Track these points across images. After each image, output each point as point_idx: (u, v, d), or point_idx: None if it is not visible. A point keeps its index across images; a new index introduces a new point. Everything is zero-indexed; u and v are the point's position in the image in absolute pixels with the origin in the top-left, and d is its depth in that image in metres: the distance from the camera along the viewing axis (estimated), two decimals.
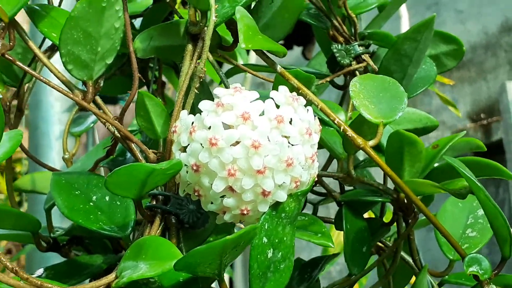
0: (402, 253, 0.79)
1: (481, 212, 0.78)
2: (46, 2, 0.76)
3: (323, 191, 0.81)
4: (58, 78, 0.66)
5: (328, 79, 0.82)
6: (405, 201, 0.72)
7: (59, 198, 0.68)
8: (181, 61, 0.67)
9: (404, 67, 0.77)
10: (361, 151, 0.66)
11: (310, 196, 0.86)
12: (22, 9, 0.66)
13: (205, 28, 0.66)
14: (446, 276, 0.76)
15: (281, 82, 0.65)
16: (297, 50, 2.04)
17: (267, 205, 0.58)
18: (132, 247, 0.58)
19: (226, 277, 2.13)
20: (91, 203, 0.68)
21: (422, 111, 0.82)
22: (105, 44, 0.65)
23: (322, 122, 0.70)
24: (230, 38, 0.72)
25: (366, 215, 0.80)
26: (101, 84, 0.68)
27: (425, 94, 2.98)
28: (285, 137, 0.57)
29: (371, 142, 0.65)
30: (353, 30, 0.83)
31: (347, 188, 0.80)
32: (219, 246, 0.52)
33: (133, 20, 0.90)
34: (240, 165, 0.56)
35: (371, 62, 0.82)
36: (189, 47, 0.67)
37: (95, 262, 0.77)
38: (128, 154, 0.85)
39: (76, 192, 0.69)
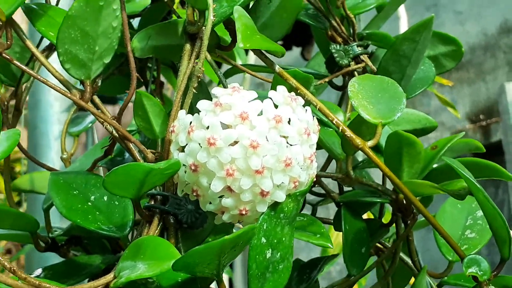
0: (401, 254, 0.79)
1: (480, 213, 0.78)
2: (43, 1, 0.76)
3: (322, 191, 0.81)
4: (55, 77, 0.66)
5: (326, 79, 0.82)
6: (404, 202, 0.72)
7: (57, 198, 0.68)
8: (179, 60, 0.67)
9: (402, 67, 0.77)
10: (360, 151, 0.66)
11: (309, 196, 0.85)
12: (20, 8, 0.66)
13: (203, 27, 0.66)
14: (445, 277, 0.76)
15: (279, 82, 0.65)
16: (296, 50, 2.04)
17: (265, 205, 0.58)
18: (130, 247, 0.58)
19: (225, 277, 2.13)
20: (89, 203, 0.68)
21: (421, 111, 0.82)
22: (103, 43, 0.65)
23: (321, 122, 0.70)
24: (228, 38, 0.72)
25: (365, 216, 0.80)
26: (99, 84, 0.67)
27: (424, 95, 2.98)
28: (284, 137, 0.57)
29: (370, 143, 0.65)
30: (351, 31, 0.83)
31: (346, 188, 0.80)
32: (217, 246, 0.52)
33: (131, 20, 0.90)
34: (239, 165, 0.56)
35: (369, 63, 0.82)
36: (187, 46, 0.67)
37: (94, 262, 0.77)
38: (127, 154, 0.85)
39: (74, 192, 0.69)
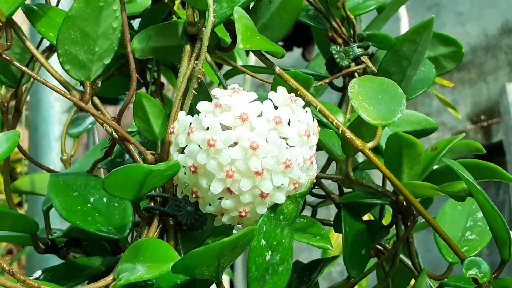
0: (401, 256, 0.79)
1: (480, 214, 0.78)
2: (44, 2, 0.76)
3: (322, 193, 0.81)
4: (55, 78, 0.66)
5: (326, 80, 0.82)
6: (404, 203, 0.72)
7: (57, 200, 0.67)
8: (179, 61, 0.67)
9: (403, 69, 0.77)
10: (360, 153, 0.65)
11: (309, 198, 0.85)
12: (21, 8, 0.66)
13: (203, 28, 0.66)
14: (446, 279, 0.76)
15: (279, 83, 0.65)
16: (297, 51, 2.04)
17: (265, 207, 0.58)
18: (129, 249, 0.57)
19: (226, 278, 2.12)
20: (89, 205, 0.68)
21: (422, 112, 0.82)
22: (103, 44, 0.65)
23: (321, 123, 0.69)
24: (228, 39, 0.72)
25: (366, 217, 0.79)
26: (99, 85, 0.67)
27: (425, 95, 2.98)
28: (284, 138, 0.57)
29: (370, 144, 0.64)
30: (352, 32, 0.83)
31: (346, 190, 0.80)
32: (217, 248, 0.52)
33: (131, 21, 0.90)
34: (238, 167, 0.56)
35: (370, 64, 0.81)
36: (187, 47, 0.67)
37: (93, 264, 0.77)
38: (127, 155, 0.85)
39: (74, 194, 0.69)
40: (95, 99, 0.67)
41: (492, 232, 0.63)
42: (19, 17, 0.68)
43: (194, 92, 0.64)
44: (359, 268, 0.73)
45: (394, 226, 0.77)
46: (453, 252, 0.65)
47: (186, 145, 0.58)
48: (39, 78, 0.66)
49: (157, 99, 0.89)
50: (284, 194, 0.58)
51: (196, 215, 0.64)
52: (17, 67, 0.66)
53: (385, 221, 0.80)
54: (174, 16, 0.75)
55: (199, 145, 0.56)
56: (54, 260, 0.80)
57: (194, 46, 0.66)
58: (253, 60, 1.34)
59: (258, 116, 0.56)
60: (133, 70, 0.67)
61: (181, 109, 0.63)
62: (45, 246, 0.79)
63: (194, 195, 0.58)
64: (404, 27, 1.60)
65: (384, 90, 0.67)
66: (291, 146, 0.57)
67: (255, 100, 0.57)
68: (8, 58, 0.65)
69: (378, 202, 0.73)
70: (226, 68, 0.91)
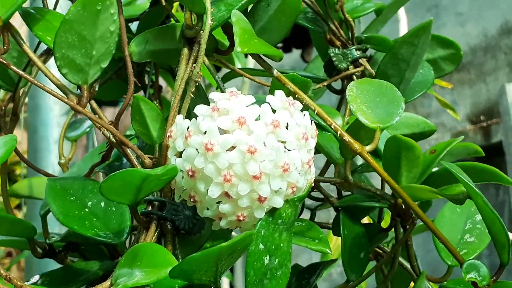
0: (400, 259, 0.79)
1: (479, 217, 0.78)
2: (41, 5, 0.76)
3: (321, 196, 0.81)
4: (53, 82, 0.66)
5: (325, 83, 0.82)
6: (403, 206, 0.72)
7: (54, 204, 0.67)
8: (177, 65, 0.66)
9: (401, 71, 0.77)
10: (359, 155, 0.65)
11: (308, 201, 0.85)
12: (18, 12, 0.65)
13: (201, 31, 0.65)
14: (445, 282, 0.76)
15: (277, 86, 0.64)
16: (296, 52, 2.03)
17: (263, 211, 0.58)
18: (127, 254, 0.57)
19: (226, 281, 2.12)
20: (86, 209, 0.68)
21: (421, 113, 0.82)
22: (100, 48, 0.65)
23: (319, 126, 0.69)
24: (226, 42, 0.71)
25: (366, 220, 0.79)
26: (96, 89, 0.67)
27: (425, 96, 2.98)
28: (281, 142, 0.56)
29: (368, 147, 0.64)
30: (350, 34, 0.83)
31: (344, 193, 0.80)
32: (215, 253, 0.51)
33: (129, 24, 0.89)
34: (236, 171, 0.55)
35: (368, 67, 0.81)
36: (185, 51, 0.66)
37: (91, 268, 0.76)
38: (125, 159, 0.84)
39: (71, 198, 0.69)
40: (93, 102, 0.67)
41: (491, 235, 0.63)
42: (17, 20, 0.68)
43: (192, 95, 0.64)
44: (358, 271, 0.73)
45: (393, 229, 0.76)
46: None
47: (184, 149, 0.57)
48: (36, 82, 0.65)
49: (155, 102, 0.89)
50: (282, 198, 0.58)
51: (194, 220, 0.64)
52: (14, 71, 0.65)
53: (384, 223, 0.79)
54: (172, 19, 0.75)
55: (196, 149, 0.56)
56: (53, 263, 0.80)
57: (192, 49, 0.66)
58: (252, 62, 1.33)
59: (256, 119, 0.56)
60: (131, 74, 0.66)
61: (179, 113, 0.63)
62: (42, 251, 0.79)
63: (192, 200, 0.58)
64: (403, 29, 1.60)
65: (382, 93, 0.67)
66: (289, 150, 0.57)
67: (253, 103, 0.57)
68: (5, 62, 0.64)
69: (377, 205, 0.73)
70: (224, 70, 0.91)
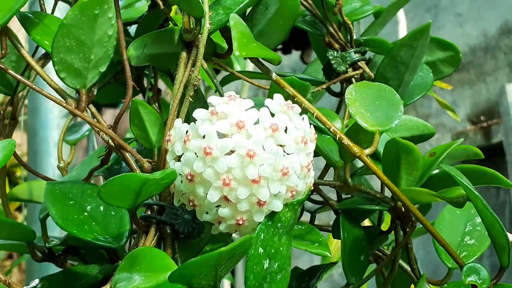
0: (401, 262, 0.78)
1: (479, 219, 0.78)
2: (39, 9, 0.76)
3: (321, 199, 0.80)
4: (51, 86, 0.66)
5: (324, 86, 0.82)
6: (403, 209, 0.72)
7: (53, 208, 0.67)
8: (175, 68, 0.66)
9: (400, 74, 0.77)
10: None
11: (307, 204, 0.85)
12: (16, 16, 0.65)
13: (199, 35, 0.65)
14: (445, 285, 0.75)
15: (276, 90, 0.64)
16: (295, 54, 2.03)
17: (262, 215, 0.58)
18: (126, 258, 0.57)
19: (227, 283, 2.11)
20: (86, 213, 0.68)
21: (421, 114, 0.82)
22: (98, 52, 0.65)
23: (318, 129, 0.69)
24: (225, 45, 0.71)
25: (366, 223, 0.79)
26: (95, 93, 0.67)
27: (425, 97, 2.97)
28: (280, 146, 0.56)
29: (368, 151, 0.64)
30: (349, 37, 0.83)
31: (344, 196, 0.79)
32: (214, 258, 0.51)
33: (128, 27, 0.89)
34: (235, 175, 0.55)
35: (367, 69, 0.81)
36: (183, 54, 0.66)
37: (91, 272, 0.76)
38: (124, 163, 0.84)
39: (70, 202, 0.68)
40: (91, 107, 0.67)
41: (491, 238, 0.63)
42: (16, 23, 0.68)
43: (191, 99, 0.64)
44: (358, 274, 0.73)
45: (393, 232, 0.76)
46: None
47: (183, 153, 0.57)
48: (34, 86, 0.65)
49: (154, 105, 0.89)
50: (281, 202, 0.58)
51: (194, 223, 0.64)
52: (12, 76, 0.65)
53: (385, 225, 0.79)
54: (170, 23, 0.75)
55: (195, 153, 0.56)
56: (54, 266, 0.80)
57: (190, 53, 0.66)
58: (251, 64, 1.33)
59: (255, 123, 0.56)
60: (129, 78, 0.66)
61: (177, 117, 0.63)
62: (42, 255, 0.78)
63: (191, 204, 0.58)
64: (403, 30, 1.60)
65: (381, 96, 0.66)
66: (288, 154, 0.56)
67: (251, 107, 0.57)
68: (3, 67, 0.64)
69: (377, 208, 0.73)
70: (224, 73, 0.91)
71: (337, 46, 0.83)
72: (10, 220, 0.72)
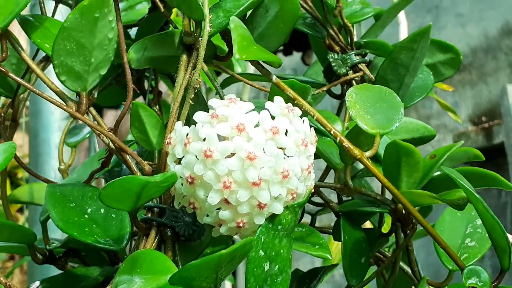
0: (401, 264, 0.78)
1: (479, 221, 0.77)
2: (40, 13, 0.76)
3: (321, 201, 0.80)
4: (51, 89, 0.66)
5: (324, 88, 0.81)
6: (403, 211, 0.72)
7: (54, 211, 0.67)
8: (176, 71, 0.66)
9: (400, 76, 0.77)
10: None
11: (308, 206, 0.85)
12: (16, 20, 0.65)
13: (200, 38, 0.65)
14: (446, 287, 0.75)
15: (276, 92, 0.64)
16: (296, 55, 2.03)
17: (263, 218, 0.58)
18: (127, 261, 0.57)
19: (228, 284, 2.10)
20: (86, 216, 0.68)
21: (422, 114, 0.82)
22: (99, 55, 0.65)
23: (319, 132, 0.69)
24: (225, 48, 0.71)
25: (367, 225, 0.79)
26: (96, 95, 0.67)
27: (426, 97, 2.97)
28: (281, 148, 0.56)
29: (368, 153, 0.64)
30: (349, 39, 0.83)
31: (345, 198, 0.79)
32: (215, 260, 0.51)
33: (129, 30, 0.89)
34: (236, 177, 0.55)
35: (367, 72, 0.81)
36: (184, 57, 0.66)
37: (92, 274, 0.76)
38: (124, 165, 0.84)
39: (71, 205, 0.68)
40: (92, 109, 0.67)
41: (491, 240, 0.63)
42: (16, 26, 0.68)
43: (191, 102, 0.64)
44: (359, 276, 0.73)
45: (393, 234, 0.76)
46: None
47: (183, 156, 0.57)
48: (35, 89, 0.65)
49: (155, 108, 0.89)
50: (282, 204, 0.58)
51: (194, 226, 0.64)
52: (13, 79, 0.65)
53: (386, 227, 0.79)
54: (171, 26, 0.75)
55: (196, 156, 0.56)
56: (54, 268, 0.80)
57: (190, 56, 0.66)
58: (252, 67, 1.33)
59: (255, 126, 0.56)
60: (129, 81, 0.66)
61: (178, 119, 0.63)
62: (43, 257, 0.78)
63: (191, 206, 0.58)
64: (403, 32, 1.60)
65: (382, 98, 0.66)
66: (288, 156, 0.56)
67: (252, 110, 0.57)
68: (3, 70, 0.64)
69: (377, 210, 0.73)
70: (224, 75, 0.91)
71: (337, 48, 0.83)
72: (10, 222, 0.72)
